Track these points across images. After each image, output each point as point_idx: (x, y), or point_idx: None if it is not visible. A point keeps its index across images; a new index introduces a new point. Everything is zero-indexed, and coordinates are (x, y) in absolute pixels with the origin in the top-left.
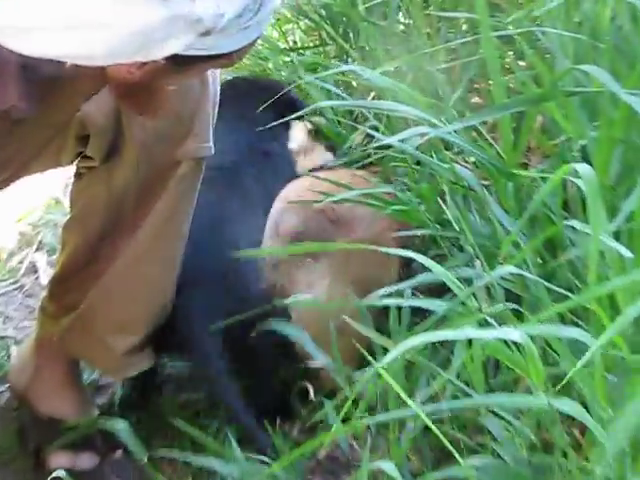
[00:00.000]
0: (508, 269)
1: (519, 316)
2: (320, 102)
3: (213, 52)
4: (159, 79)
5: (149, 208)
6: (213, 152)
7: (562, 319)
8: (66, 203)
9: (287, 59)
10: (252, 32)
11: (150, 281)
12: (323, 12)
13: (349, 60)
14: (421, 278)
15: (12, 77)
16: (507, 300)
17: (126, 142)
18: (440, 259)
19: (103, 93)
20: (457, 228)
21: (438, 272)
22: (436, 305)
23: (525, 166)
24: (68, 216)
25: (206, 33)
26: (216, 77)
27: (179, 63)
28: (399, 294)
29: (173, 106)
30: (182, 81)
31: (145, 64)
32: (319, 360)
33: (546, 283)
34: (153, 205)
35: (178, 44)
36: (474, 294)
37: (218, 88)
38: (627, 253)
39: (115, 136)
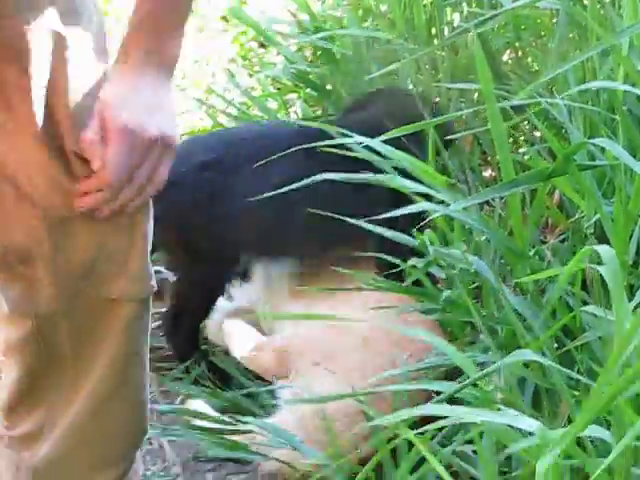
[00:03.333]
0: (523, 354)
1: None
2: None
3: None
4: None
5: (91, 361)
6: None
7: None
8: None
9: None
10: None
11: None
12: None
13: None
14: (433, 360)
15: None
16: (524, 385)
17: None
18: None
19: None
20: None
21: (451, 353)
22: (446, 387)
23: (542, 243)
24: None
25: None
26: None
27: None
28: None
29: (97, 239)
30: None
31: None
32: (316, 460)
33: (563, 369)
34: (96, 356)
35: None
36: (489, 380)
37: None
38: None
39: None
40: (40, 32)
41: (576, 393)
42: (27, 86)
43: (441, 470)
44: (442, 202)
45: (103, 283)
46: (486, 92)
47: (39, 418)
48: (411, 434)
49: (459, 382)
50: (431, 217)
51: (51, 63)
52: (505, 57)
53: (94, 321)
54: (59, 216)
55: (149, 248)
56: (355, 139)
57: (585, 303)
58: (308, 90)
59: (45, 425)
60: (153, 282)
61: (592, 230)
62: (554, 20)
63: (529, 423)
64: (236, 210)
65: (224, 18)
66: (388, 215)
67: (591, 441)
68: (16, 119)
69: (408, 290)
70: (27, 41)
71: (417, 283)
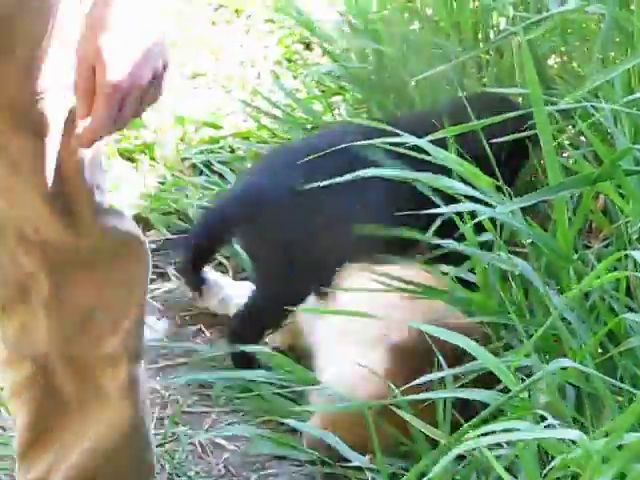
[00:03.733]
0: (565, 362)
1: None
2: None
3: None
4: None
5: (96, 410)
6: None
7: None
8: None
9: None
10: None
11: None
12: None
13: None
14: (469, 367)
15: None
16: (564, 392)
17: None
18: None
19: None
20: (514, 318)
21: (486, 360)
22: (485, 396)
23: (586, 248)
24: None
25: None
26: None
27: None
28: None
29: (97, 288)
30: None
31: None
32: (357, 461)
33: (605, 377)
34: (100, 407)
35: None
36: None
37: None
38: None
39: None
40: (52, 99)
41: (619, 399)
42: (39, 151)
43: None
44: (488, 205)
45: (99, 338)
46: (534, 96)
47: (48, 461)
48: (488, 453)
49: (492, 388)
50: (478, 219)
51: (62, 128)
52: (551, 61)
53: (91, 374)
54: (62, 260)
55: (145, 307)
56: (404, 138)
57: (630, 309)
58: (353, 92)
59: (52, 469)
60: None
61: (637, 235)
62: (600, 25)
63: (573, 434)
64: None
65: (271, 20)
66: (434, 212)
67: None
68: (26, 181)
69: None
70: (40, 108)
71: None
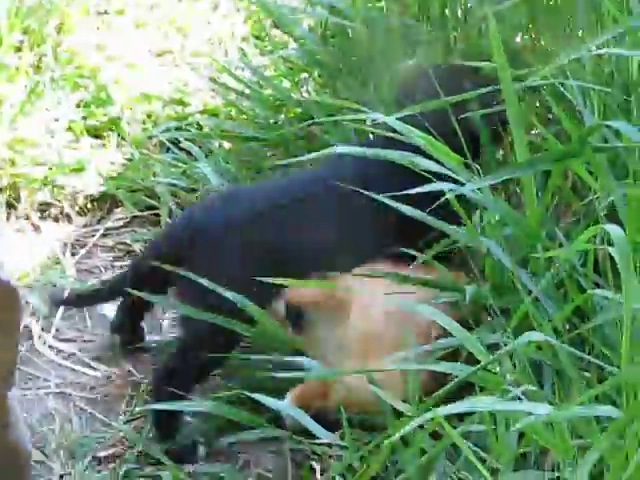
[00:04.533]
0: (533, 336)
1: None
2: (338, 147)
3: None
4: None
5: None
6: None
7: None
8: (65, 263)
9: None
10: None
11: None
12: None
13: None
14: (443, 342)
15: None
16: (535, 368)
17: None
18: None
19: None
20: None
21: (460, 336)
22: (456, 369)
23: (555, 225)
24: None
25: None
26: None
27: None
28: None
29: None
30: None
31: None
32: (325, 437)
33: (574, 351)
34: None
35: None
36: (499, 362)
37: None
38: None
39: None
40: None
41: (587, 374)
42: None
43: (470, 454)
44: (457, 182)
45: None
46: (502, 72)
47: None
48: (450, 429)
49: (467, 362)
50: (445, 197)
51: None
52: (518, 39)
53: None
54: None
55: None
56: (371, 115)
57: (598, 285)
58: (319, 70)
59: None
60: None
61: (605, 212)
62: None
63: (539, 407)
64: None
65: None
66: (406, 193)
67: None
68: None
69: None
70: None
71: None
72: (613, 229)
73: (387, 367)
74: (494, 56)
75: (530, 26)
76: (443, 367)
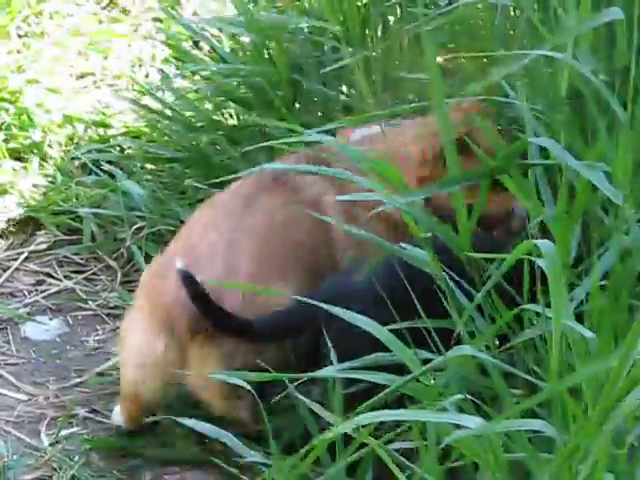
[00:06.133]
0: (463, 350)
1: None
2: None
3: None
4: None
5: None
6: None
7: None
8: None
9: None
10: None
11: None
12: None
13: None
14: (380, 355)
15: None
16: (469, 384)
17: None
18: None
19: None
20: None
21: (396, 349)
22: (386, 380)
23: None
24: None
25: None
26: None
27: None
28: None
29: None
30: None
31: None
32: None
33: (504, 365)
34: None
35: None
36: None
37: None
38: (588, 334)
39: None
40: None
41: (517, 391)
42: None
43: (394, 468)
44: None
45: None
46: (435, 88)
47: None
48: (372, 440)
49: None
50: (380, 209)
51: None
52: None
53: None
54: None
55: None
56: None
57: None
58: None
59: None
60: None
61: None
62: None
63: (471, 421)
64: None
65: (158, 19)
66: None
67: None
68: None
69: None
70: None
71: None
72: (544, 244)
73: None
74: (428, 71)
75: (451, 46)
76: (378, 378)
